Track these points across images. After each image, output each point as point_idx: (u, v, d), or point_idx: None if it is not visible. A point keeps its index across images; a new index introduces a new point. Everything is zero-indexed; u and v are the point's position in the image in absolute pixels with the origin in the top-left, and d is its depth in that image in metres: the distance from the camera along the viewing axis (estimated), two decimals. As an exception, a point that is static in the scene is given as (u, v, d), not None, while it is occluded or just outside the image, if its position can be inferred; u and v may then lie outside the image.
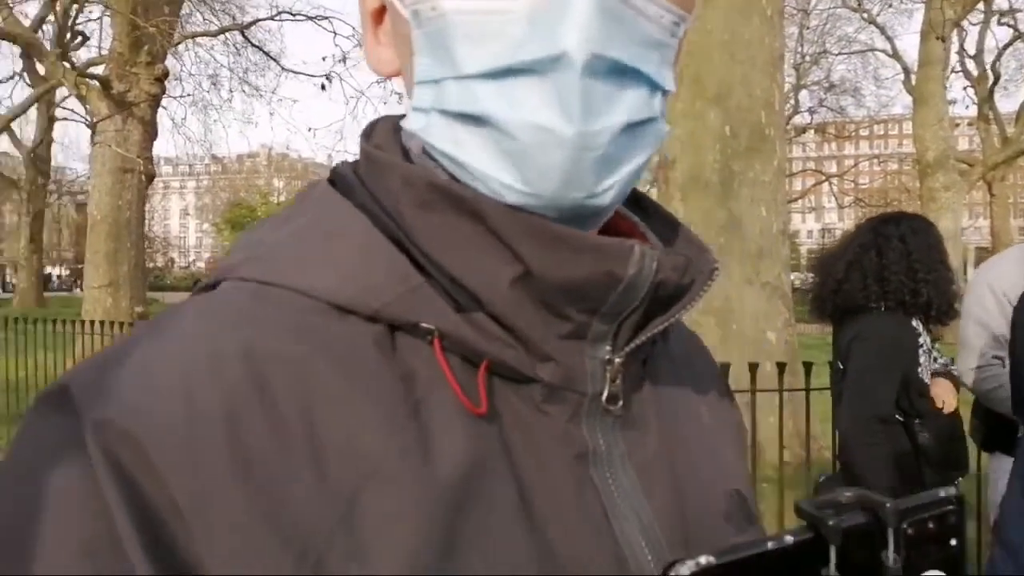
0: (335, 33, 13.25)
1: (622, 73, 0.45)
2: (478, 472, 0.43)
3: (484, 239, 0.45)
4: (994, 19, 17.10)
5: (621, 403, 0.49)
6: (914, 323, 2.32)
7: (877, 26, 20.42)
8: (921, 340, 2.32)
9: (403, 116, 0.52)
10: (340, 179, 0.51)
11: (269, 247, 0.48)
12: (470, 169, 0.46)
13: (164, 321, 0.46)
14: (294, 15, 15.04)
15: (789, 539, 0.38)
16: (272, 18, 15.79)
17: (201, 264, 61.02)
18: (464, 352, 0.46)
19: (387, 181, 0.48)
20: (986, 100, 18.01)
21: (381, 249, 0.46)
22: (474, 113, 0.44)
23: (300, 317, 0.45)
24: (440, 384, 0.44)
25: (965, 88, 17.86)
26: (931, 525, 0.40)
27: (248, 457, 0.39)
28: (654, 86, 0.47)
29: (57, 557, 0.37)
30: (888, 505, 0.39)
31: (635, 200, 0.57)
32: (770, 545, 0.37)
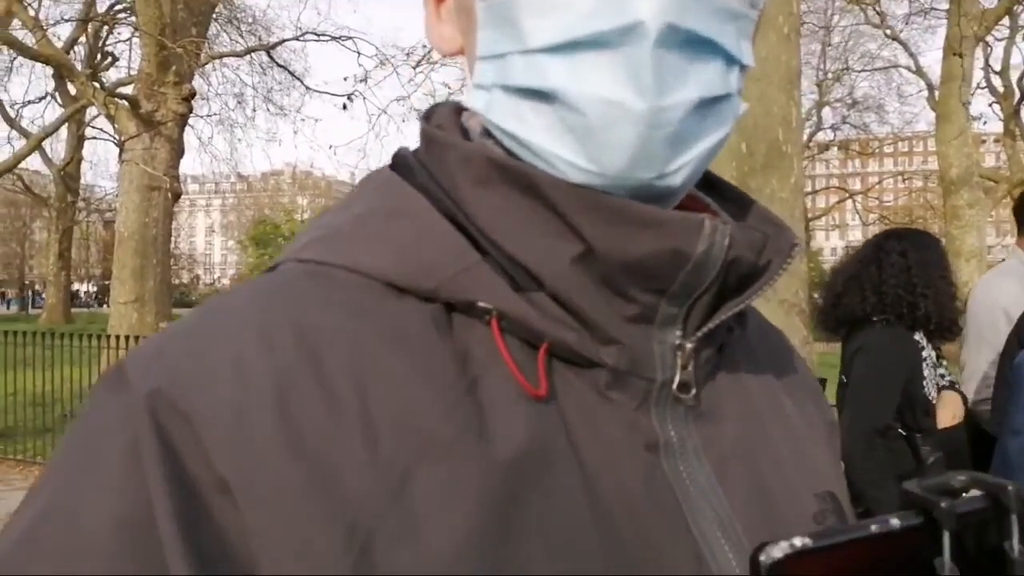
0: (359, 53, 13.40)
1: (698, 45, 0.42)
2: (538, 455, 0.41)
3: (543, 215, 0.44)
4: (1020, 35, 16.96)
5: (694, 392, 0.47)
6: (917, 337, 2.31)
7: (900, 42, 20.30)
8: (925, 354, 2.31)
9: (461, 102, 0.51)
10: (401, 162, 0.50)
11: (329, 230, 0.48)
12: (533, 147, 0.44)
13: (219, 301, 0.46)
14: (319, 35, 15.25)
15: (896, 522, 0.34)
16: (297, 38, 16.01)
17: (226, 281, 61.50)
18: (523, 333, 0.44)
19: (445, 160, 0.47)
20: (1012, 117, 17.83)
21: (438, 228, 0.45)
22: (540, 88, 0.43)
23: (355, 295, 0.44)
24: (497, 364, 0.43)
25: (991, 104, 17.71)
26: None
27: (298, 431, 0.39)
28: (731, 60, 0.44)
29: (94, 530, 0.37)
30: (1010, 488, 0.34)
31: (706, 181, 0.53)
32: (874, 528, 0.33)
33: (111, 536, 0.37)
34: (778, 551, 0.32)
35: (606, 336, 0.44)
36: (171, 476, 0.37)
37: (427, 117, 0.51)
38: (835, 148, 29.15)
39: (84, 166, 26.24)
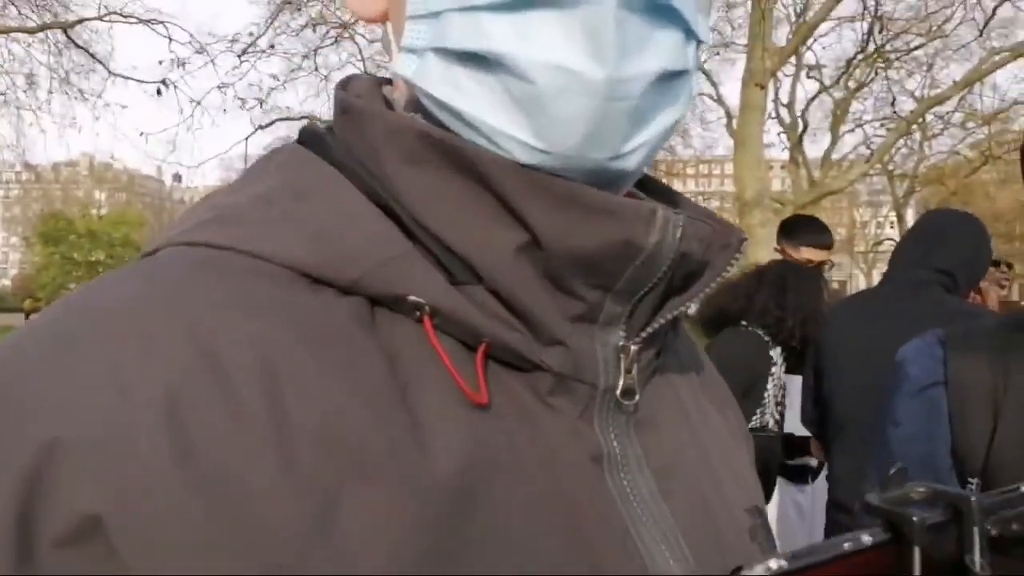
0: (170, 39, 12.61)
1: (660, 11, 0.38)
2: (480, 469, 0.37)
3: (483, 199, 0.39)
4: (803, 72, 18.79)
5: (636, 399, 0.43)
6: (773, 354, 2.45)
7: (704, 72, 21.89)
8: (774, 370, 2.46)
9: (381, 78, 0.46)
10: (311, 137, 0.44)
11: (225, 209, 0.41)
12: (473, 121, 0.39)
13: (88, 295, 0.38)
14: (125, 17, 14.20)
15: (867, 539, 0.33)
16: (100, 18, 14.84)
17: (7, 281, 55.72)
18: (459, 332, 0.39)
19: (368, 134, 0.41)
20: (796, 146, 19.70)
21: (361, 210, 0.40)
22: (481, 51, 0.38)
23: (260, 287, 0.38)
24: (429, 367, 0.38)
25: (779, 134, 19.46)
26: (1015, 526, 0.34)
27: (195, 450, 0.32)
28: (690, 33, 0.41)
29: None
30: (973, 500, 0.34)
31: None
32: (847, 547, 0.32)
33: None
34: (760, 570, 0.30)
35: (549, 337, 0.40)
36: (22, 515, 0.31)
37: (343, 86, 0.46)
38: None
39: None
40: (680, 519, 0.43)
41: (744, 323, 2.47)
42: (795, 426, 2.45)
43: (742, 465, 0.52)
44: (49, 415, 0.33)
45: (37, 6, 15.75)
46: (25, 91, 16.53)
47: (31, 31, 14.93)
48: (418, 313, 0.39)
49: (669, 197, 0.48)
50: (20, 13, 15.64)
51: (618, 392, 0.42)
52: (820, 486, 2.47)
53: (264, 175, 0.43)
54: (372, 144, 0.41)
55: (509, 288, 0.39)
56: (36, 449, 0.32)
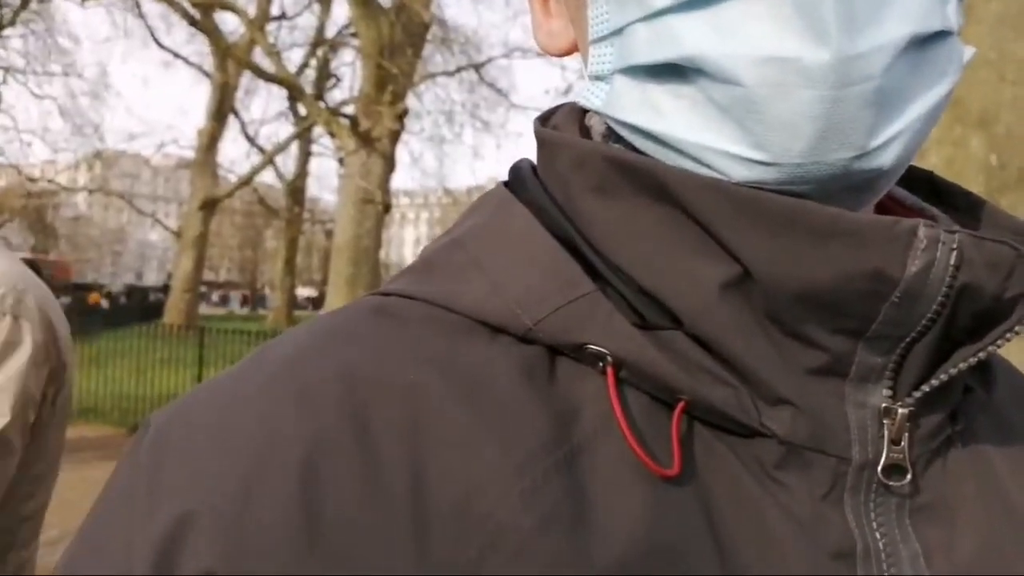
0: (563, 68, 13.55)
1: None
2: (661, 561, 0.30)
3: (678, 228, 0.34)
4: None
5: (910, 478, 0.34)
6: None
7: None
8: None
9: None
10: (514, 174, 0.41)
11: (426, 256, 0.39)
12: (675, 142, 0.33)
13: (271, 346, 0.38)
14: (525, 52, 15.64)
15: None
16: (505, 56, 16.51)
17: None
18: (651, 387, 0.33)
19: (557, 165, 0.38)
20: None
21: (544, 250, 0.36)
22: (675, 59, 0.32)
23: (428, 335, 0.35)
24: (612, 428, 0.33)
25: None
26: None
27: (322, 516, 0.30)
28: None
29: None
30: None
31: (926, 182, 0.41)
32: None
33: None
34: None
35: (773, 394, 0.33)
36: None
37: (544, 119, 0.42)
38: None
39: (310, 180, 28.57)
40: None
41: None
42: None
43: None
44: (186, 485, 0.32)
45: (455, 51, 18.08)
46: (443, 126, 19.07)
47: (450, 74, 17.15)
48: (601, 364, 0.34)
49: (975, 211, 0.38)
50: (443, 59, 18.08)
51: (879, 468, 0.33)
52: None
53: (466, 218, 0.40)
54: (561, 176, 0.37)
55: (715, 333, 0.33)
56: (171, 519, 0.31)
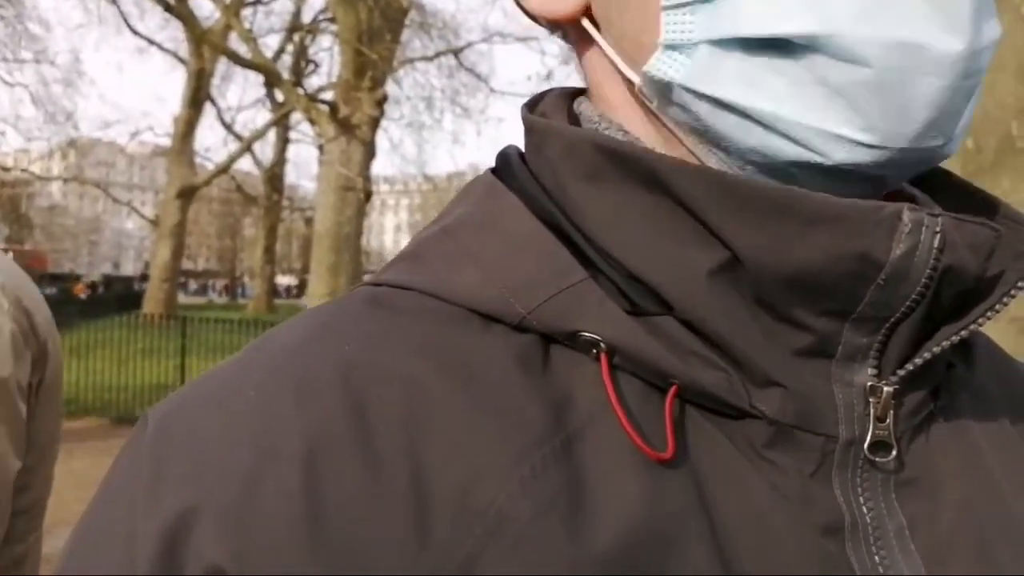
0: (543, 53, 13.51)
1: None
2: (658, 540, 0.31)
3: (667, 215, 0.34)
4: None
5: (895, 453, 0.35)
6: None
7: None
8: None
9: (581, 89, 0.41)
10: (501, 161, 0.41)
11: (416, 245, 0.39)
12: (769, 120, 0.33)
13: (269, 337, 0.38)
14: (504, 37, 15.57)
15: None
16: (484, 41, 16.44)
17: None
18: (644, 372, 0.34)
19: (547, 152, 0.38)
20: None
21: (534, 238, 0.36)
22: (791, 34, 0.31)
23: (422, 326, 0.35)
24: (606, 413, 0.33)
25: None
26: None
27: (325, 507, 0.31)
28: None
29: None
30: None
31: None
32: None
33: None
34: None
35: (762, 376, 0.34)
36: (163, 565, 0.31)
37: (531, 105, 0.41)
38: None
39: (288, 167, 28.35)
40: None
41: None
42: None
43: None
44: (187, 478, 0.32)
45: (434, 36, 17.96)
46: (422, 112, 18.94)
47: (429, 59, 17.04)
48: (594, 351, 0.34)
49: (959, 193, 0.39)
50: (422, 44, 17.96)
51: (866, 445, 0.34)
52: None
53: (455, 207, 0.40)
54: (551, 163, 0.37)
55: (704, 317, 0.34)
56: (173, 514, 0.32)
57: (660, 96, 0.36)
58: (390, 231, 78.80)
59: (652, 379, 0.34)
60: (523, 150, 0.40)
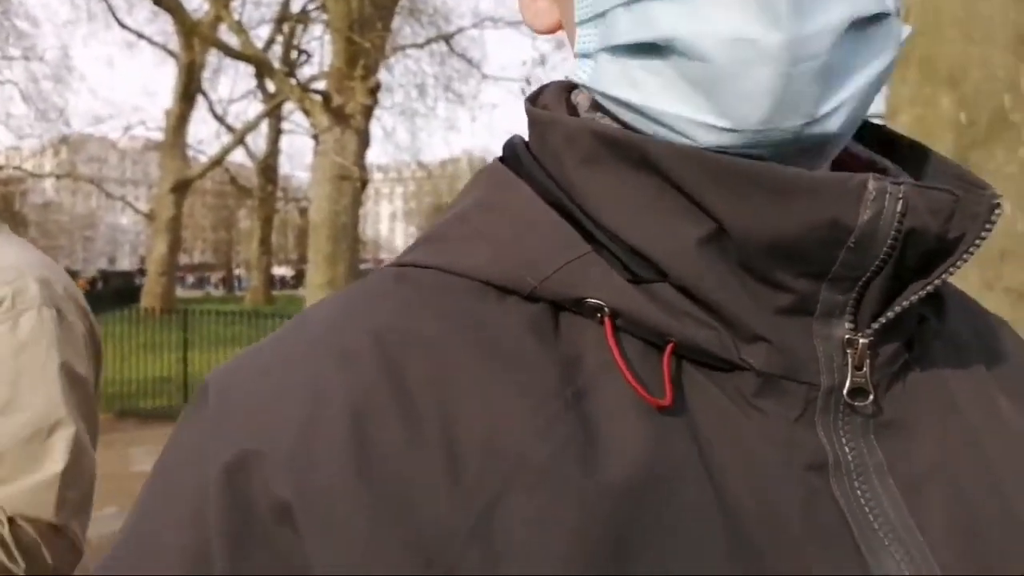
0: (534, 37, 13.48)
1: None
2: (660, 478, 0.35)
3: (661, 193, 0.38)
4: None
5: (872, 398, 0.39)
6: None
7: None
8: None
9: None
10: (508, 150, 0.45)
11: (433, 230, 0.44)
12: (651, 113, 0.38)
13: (308, 313, 0.43)
14: (495, 21, 15.52)
15: None
16: (474, 26, 16.38)
17: (407, 265, 64.50)
18: (643, 333, 0.38)
19: (550, 141, 0.42)
20: None
21: (542, 219, 0.40)
22: (651, 40, 0.37)
23: (444, 298, 0.39)
24: (612, 371, 0.37)
25: None
26: None
27: (372, 453, 0.35)
28: None
29: (162, 561, 0.36)
30: None
31: (869, 133, 0.45)
32: None
33: (175, 566, 0.36)
34: None
35: (749, 333, 0.38)
36: (230, 505, 0.35)
37: (533, 98, 0.46)
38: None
39: (282, 158, 28.30)
40: (933, 536, 0.37)
41: None
42: None
43: None
44: (250, 428, 0.36)
45: (424, 23, 17.89)
46: (416, 100, 18.91)
47: (420, 46, 16.98)
48: (599, 315, 0.38)
49: (921, 160, 0.42)
50: (412, 31, 17.89)
51: (845, 391, 0.38)
52: None
53: (466, 193, 0.44)
54: (554, 151, 0.41)
55: (695, 282, 0.37)
56: (240, 458, 0.36)
57: (591, 95, 0.42)
58: (385, 219, 78.66)
59: (651, 338, 0.38)
60: (527, 139, 0.45)
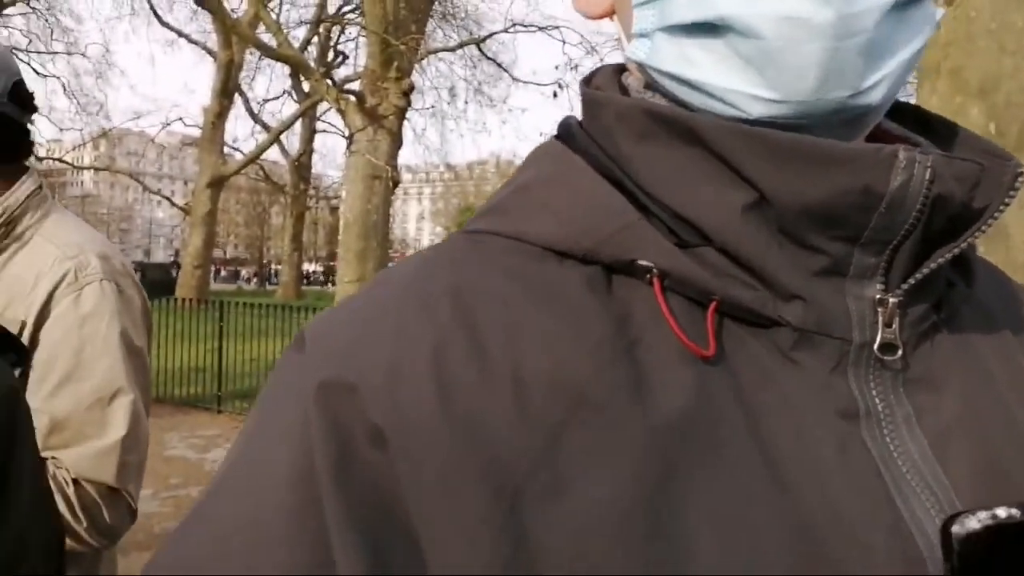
0: (564, 42, 13.53)
1: None
2: (704, 419, 0.38)
3: (707, 164, 0.41)
4: None
5: (900, 354, 0.41)
6: None
7: None
8: None
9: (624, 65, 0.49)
10: (564, 130, 0.49)
11: (496, 201, 0.48)
12: (706, 87, 0.41)
13: (391, 271, 0.47)
14: (526, 27, 15.57)
15: None
16: (506, 30, 16.44)
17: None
18: (689, 292, 0.41)
19: (603, 119, 0.45)
20: None
21: (596, 189, 0.43)
22: (707, 19, 0.39)
23: (512, 259, 0.43)
24: (660, 325, 0.40)
25: None
26: None
27: (450, 389, 0.38)
28: None
29: (270, 476, 0.39)
30: None
31: (904, 113, 0.48)
32: None
33: (282, 481, 0.38)
34: (975, 522, 0.26)
35: (786, 292, 0.41)
36: (329, 426, 0.38)
37: (587, 80, 0.49)
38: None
39: (315, 157, 28.53)
40: (961, 485, 0.39)
41: None
42: None
43: None
44: (345, 365, 0.40)
45: (457, 26, 18.00)
46: (448, 103, 19.01)
47: (452, 49, 17.07)
48: (648, 276, 0.41)
49: (950, 134, 0.46)
50: (445, 35, 18.01)
51: (876, 346, 0.40)
52: None
53: (526, 168, 0.48)
54: (607, 128, 0.45)
55: (738, 246, 0.40)
56: (337, 388, 0.39)
57: (644, 73, 0.45)
58: (413, 219, 78.87)
59: (696, 296, 0.41)
60: (580, 119, 0.48)
